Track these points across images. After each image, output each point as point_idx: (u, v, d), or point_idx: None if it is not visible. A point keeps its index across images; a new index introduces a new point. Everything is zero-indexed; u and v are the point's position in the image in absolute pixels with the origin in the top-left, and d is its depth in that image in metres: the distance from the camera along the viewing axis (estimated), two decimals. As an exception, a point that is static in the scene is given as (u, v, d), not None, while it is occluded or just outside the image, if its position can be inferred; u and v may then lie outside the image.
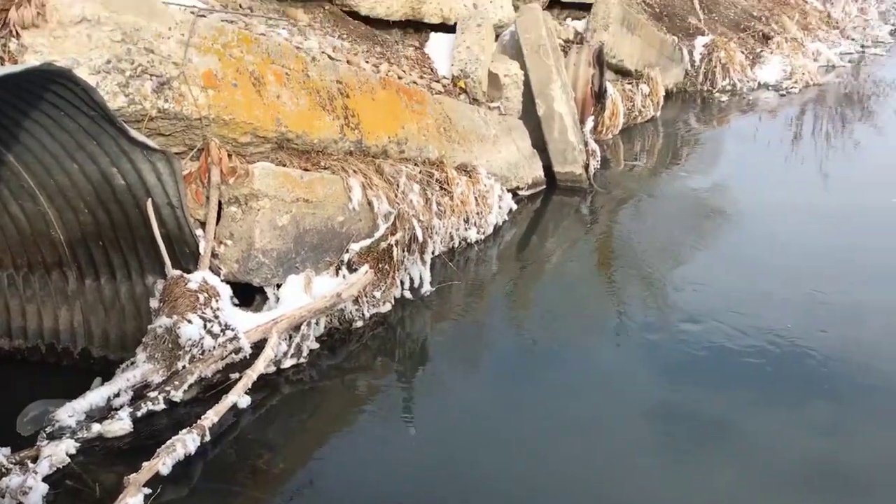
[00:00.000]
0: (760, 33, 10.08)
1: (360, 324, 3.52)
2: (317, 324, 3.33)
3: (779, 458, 2.78)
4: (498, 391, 3.25)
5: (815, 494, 2.62)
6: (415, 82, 4.70)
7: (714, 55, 8.92)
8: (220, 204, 3.21)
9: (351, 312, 3.49)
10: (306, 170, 3.61)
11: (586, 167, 5.67)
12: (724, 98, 8.80)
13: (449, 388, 3.25)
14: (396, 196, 3.87)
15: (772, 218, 5.37)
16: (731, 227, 5.28)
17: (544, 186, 5.56)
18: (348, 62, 4.18)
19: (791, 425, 2.98)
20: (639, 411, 3.08)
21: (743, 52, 9.34)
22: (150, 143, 2.83)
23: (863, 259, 4.60)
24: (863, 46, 12.09)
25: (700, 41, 9.10)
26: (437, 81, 5.04)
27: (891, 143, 7.66)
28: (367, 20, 5.19)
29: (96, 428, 2.61)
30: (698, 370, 3.42)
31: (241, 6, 4.25)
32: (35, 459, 2.40)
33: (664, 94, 8.09)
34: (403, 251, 3.73)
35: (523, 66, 5.53)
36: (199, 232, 3.15)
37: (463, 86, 5.09)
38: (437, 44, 5.50)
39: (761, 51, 9.64)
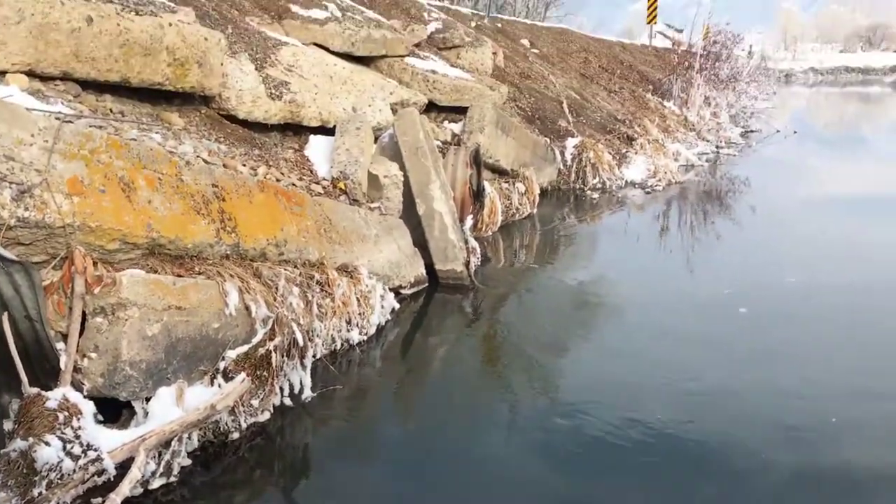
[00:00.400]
0: (625, 135, 10.74)
1: (236, 435, 3.37)
2: (189, 438, 3.16)
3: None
4: (385, 495, 3.16)
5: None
6: (294, 184, 4.70)
7: (584, 155, 9.41)
8: (84, 315, 3.05)
9: (227, 424, 3.33)
10: (180, 276, 3.49)
11: (467, 264, 5.77)
12: (596, 195, 9.24)
13: (333, 497, 3.13)
14: (275, 299, 3.79)
15: (646, 308, 5.59)
16: (608, 317, 5.47)
17: (427, 284, 5.60)
18: (225, 165, 4.14)
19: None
20: (532, 496, 3.06)
21: (610, 153, 9.90)
22: (6, 253, 2.68)
23: (728, 342, 4.84)
24: (717, 147, 13.06)
25: (570, 142, 9.59)
26: (317, 183, 5.05)
27: (747, 234, 8.20)
28: (245, 123, 5.19)
29: (-67, 570, 2.34)
30: (583, 461, 3.46)
31: (111, 111, 4.16)
32: None
33: (539, 192, 8.41)
34: (282, 356, 3.63)
35: (403, 167, 5.64)
36: (60, 345, 2.97)
37: (343, 187, 5.12)
38: (317, 146, 5.55)
39: (627, 151, 10.24)
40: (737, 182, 11.05)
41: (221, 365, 3.42)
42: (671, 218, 8.94)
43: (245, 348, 3.50)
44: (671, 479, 3.34)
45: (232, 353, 3.45)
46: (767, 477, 3.35)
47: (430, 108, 7.70)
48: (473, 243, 6.13)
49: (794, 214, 8.94)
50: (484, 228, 7.07)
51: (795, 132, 16.37)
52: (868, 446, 3.63)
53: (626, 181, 9.82)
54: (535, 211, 8.17)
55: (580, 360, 4.68)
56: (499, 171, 7.87)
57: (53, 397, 2.78)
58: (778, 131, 15.90)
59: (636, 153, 10.26)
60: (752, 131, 15.90)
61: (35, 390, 2.78)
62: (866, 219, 8.77)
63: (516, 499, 3.16)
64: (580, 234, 8.03)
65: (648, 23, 22.06)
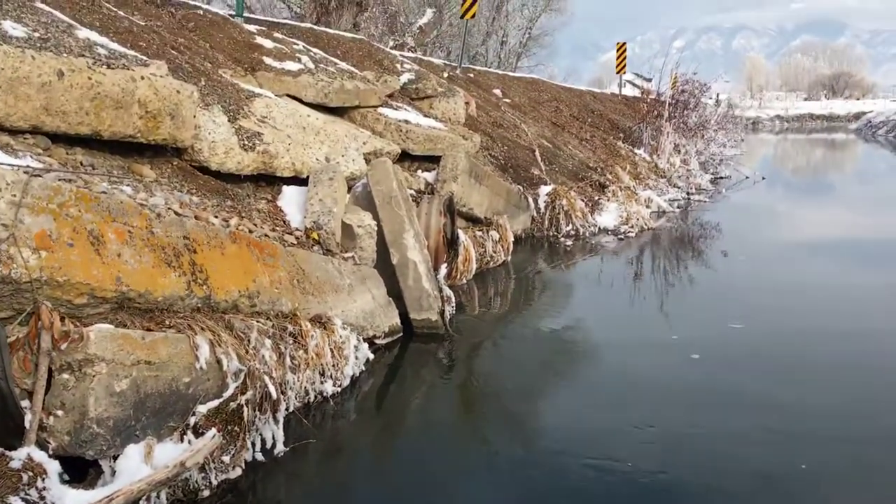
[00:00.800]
0: (597, 182, 10.87)
1: (206, 493, 3.28)
2: (158, 497, 3.08)
3: None
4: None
5: None
6: (266, 235, 4.68)
7: (557, 203, 9.50)
8: (50, 371, 2.98)
9: (197, 481, 3.25)
10: (149, 329, 3.44)
11: (442, 313, 5.75)
12: (569, 242, 9.31)
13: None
14: (247, 352, 3.74)
15: (619, 355, 5.59)
16: (582, 365, 5.46)
17: (401, 334, 5.57)
18: (196, 217, 4.12)
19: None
20: None
21: (583, 200, 10.00)
22: (-30, 309, 2.62)
23: (705, 387, 4.86)
24: (688, 193, 13.25)
25: (543, 190, 9.69)
26: (290, 234, 5.04)
27: (720, 278, 8.27)
28: (217, 175, 5.18)
29: None
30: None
31: (81, 164, 4.14)
32: None
33: (513, 239, 8.46)
34: (254, 410, 3.57)
35: (376, 217, 5.65)
36: (25, 403, 2.90)
37: (316, 237, 5.11)
38: (290, 197, 5.55)
39: (599, 198, 10.36)
40: (708, 227, 11.19)
41: (192, 420, 3.35)
42: (644, 264, 9.02)
43: (216, 403, 3.44)
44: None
45: (202, 408, 3.39)
46: None
47: (404, 157, 7.75)
48: (448, 292, 6.13)
49: (765, 259, 9.06)
50: (458, 277, 7.07)
51: (763, 178, 16.70)
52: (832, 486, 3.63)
53: (600, 228, 9.91)
54: (509, 258, 8.20)
55: (554, 409, 4.64)
56: (473, 220, 7.91)
57: (17, 457, 2.72)
58: (747, 177, 16.20)
59: (608, 200, 10.38)
60: (721, 178, 16.18)
61: (-2, 450, 2.71)
62: (836, 261, 8.91)
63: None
64: (554, 281, 8.06)
65: (618, 72, 22.51)
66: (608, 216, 10.00)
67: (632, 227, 9.97)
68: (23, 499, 2.61)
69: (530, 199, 9.34)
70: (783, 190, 17.14)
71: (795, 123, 52.09)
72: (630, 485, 3.62)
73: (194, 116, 4.86)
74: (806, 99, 76.44)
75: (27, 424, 2.83)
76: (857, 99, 72.26)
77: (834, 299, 7.20)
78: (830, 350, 5.66)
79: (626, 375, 5.13)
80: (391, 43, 19.70)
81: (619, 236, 9.77)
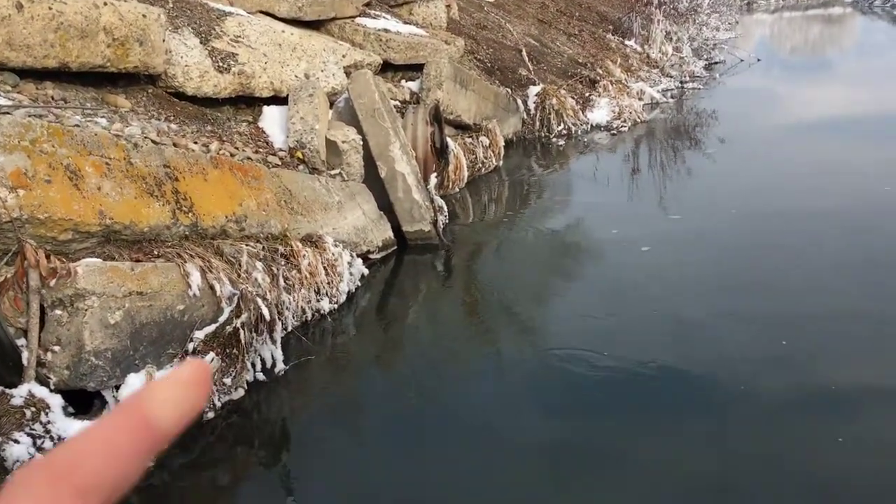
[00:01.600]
0: (587, 78, 10.65)
1: (211, 415, 3.36)
2: (163, 422, 3.14)
3: (664, 477, 2.86)
4: (369, 461, 3.17)
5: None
6: (249, 158, 4.63)
7: (547, 103, 9.33)
8: (42, 309, 3.01)
9: (201, 404, 3.32)
10: (138, 261, 3.45)
11: (435, 223, 5.74)
12: (562, 142, 9.20)
13: (316, 467, 3.14)
14: (239, 276, 3.76)
15: (619, 248, 5.62)
16: (583, 263, 5.50)
17: (395, 247, 5.58)
18: (175, 145, 4.06)
19: (671, 444, 3.12)
20: (528, 445, 3.09)
21: (573, 98, 9.82)
22: (-49, 254, 2.62)
23: (713, 273, 4.92)
24: (681, 82, 12.99)
25: (532, 90, 9.50)
26: (274, 154, 4.98)
27: (719, 167, 8.22)
28: (194, 100, 5.09)
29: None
30: (573, 403, 3.51)
31: (52, 98, 4.06)
32: None
33: (504, 143, 8.36)
34: (251, 332, 3.61)
35: (361, 131, 5.57)
36: (21, 341, 2.93)
37: (301, 156, 5.06)
38: (271, 117, 5.46)
39: (590, 95, 10.17)
40: (703, 115, 11.03)
41: (190, 346, 3.40)
42: (639, 158, 8.93)
43: (212, 328, 3.48)
44: (660, 411, 3.39)
45: (199, 334, 3.43)
46: (750, 401, 3.42)
47: (386, 67, 7.58)
48: (440, 202, 6.10)
49: (763, 143, 8.97)
50: (451, 186, 7.02)
51: (759, 60, 16.34)
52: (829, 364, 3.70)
53: (592, 125, 9.78)
54: (501, 163, 8.14)
55: (559, 307, 4.71)
56: (461, 127, 7.79)
57: (18, 394, 2.76)
58: (742, 60, 15.85)
59: (599, 96, 10.19)
60: (715, 63, 15.83)
61: (-1, 389, 2.75)
62: (831, 139, 8.83)
63: (508, 449, 3.18)
64: (549, 183, 8.01)
65: (605, -38, 21.73)
66: (600, 112, 9.85)
67: (624, 121, 9.83)
68: (28, 433, 2.67)
69: (519, 101, 9.18)
70: (780, 71, 16.80)
71: (791, 1, 50.69)
72: (633, 374, 3.69)
73: (164, 41, 4.73)
74: (802, -25, 74.05)
75: (24, 362, 2.87)
76: (855, -29, 69.97)
77: (832, 177, 7.17)
78: (832, 232, 5.67)
79: (626, 267, 5.16)
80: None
81: (612, 132, 9.65)
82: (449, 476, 3.02)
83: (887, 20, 31.61)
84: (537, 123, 9.28)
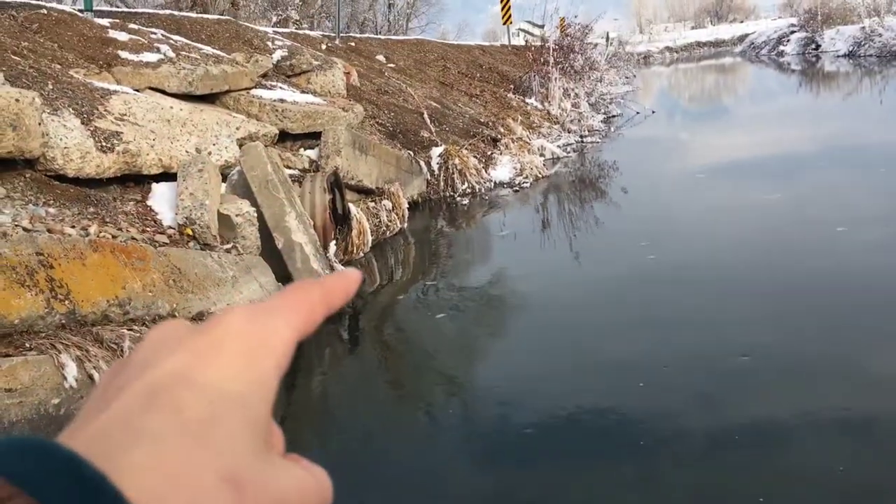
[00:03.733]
0: (489, 137, 10.89)
1: None
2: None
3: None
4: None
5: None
6: (134, 238, 4.51)
7: (450, 163, 9.47)
8: None
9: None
10: (8, 355, 3.28)
11: (336, 291, 5.67)
12: (466, 201, 9.32)
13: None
14: (121, 363, 3.61)
15: (531, 298, 5.68)
16: (502, 315, 5.52)
17: (296, 318, 5.47)
18: (49, 231, 3.93)
19: (607, 487, 3.14)
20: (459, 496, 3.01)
21: (476, 157, 10.01)
22: None
23: (634, 316, 5.04)
24: (581, 136, 13.43)
25: (435, 151, 9.64)
26: (163, 233, 4.87)
27: (624, 213, 8.46)
28: (77, 181, 4.95)
29: None
30: (510, 450, 3.47)
31: (-86, 190, 3.88)
32: None
33: (409, 205, 8.42)
34: (134, 422, 3.46)
35: (255, 203, 5.51)
36: None
37: (191, 233, 4.96)
38: (161, 195, 5.35)
39: (492, 153, 10.38)
40: (604, 167, 11.39)
41: (66, 442, 3.22)
42: (545, 211, 9.13)
43: (91, 420, 3.31)
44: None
45: (77, 428, 3.26)
46: (685, 439, 3.46)
47: (285, 137, 7.58)
48: (341, 268, 6.04)
49: (664, 189, 9.31)
50: (355, 251, 6.99)
51: (653, 112, 17.06)
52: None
53: (495, 182, 9.96)
54: (406, 225, 8.17)
55: (478, 361, 4.70)
56: (364, 191, 7.82)
57: None
58: (638, 113, 16.52)
59: (501, 154, 10.42)
60: (613, 116, 16.46)
61: None
62: (729, 181, 9.23)
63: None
64: (456, 242, 8.07)
65: (504, 24, 22.52)
66: (503, 170, 10.06)
67: (526, 177, 10.06)
68: None
69: (422, 163, 9.29)
70: (676, 119, 17.57)
71: (685, 53, 53.38)
72: (559, 419, 3.68)
73: (40, 124, 4.61)
74: (693, 27, 78.39)
75: None
76: (741, 22, 74.53)
77: (733, 215, 7.46)
78: (745, 262, 5.87)
79: (544, 320, 5.21)
80: (274, 18, 19.19)
81: (516, 188, 9.85)
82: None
83: (773, 67, 33.59)
84: (441, 184, 9.39)
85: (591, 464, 3.43)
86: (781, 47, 39.66)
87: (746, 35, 51.00)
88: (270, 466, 0.34)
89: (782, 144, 11.65)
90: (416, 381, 4.65)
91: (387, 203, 7.90)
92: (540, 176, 10.32)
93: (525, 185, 9.94)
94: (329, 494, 0.38)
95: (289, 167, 6.64)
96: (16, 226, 3.78)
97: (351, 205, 7.07)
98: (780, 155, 10.70)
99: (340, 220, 6.71)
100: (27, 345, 3.39)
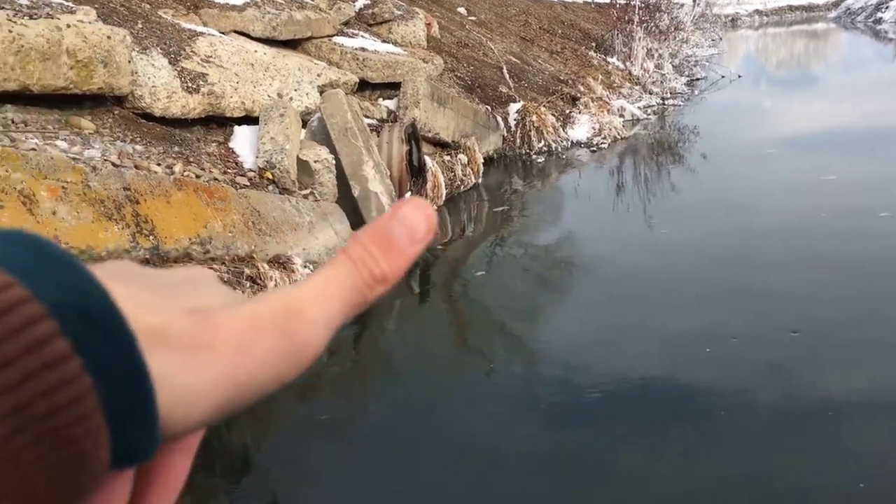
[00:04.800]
0: (568, 95, 10.66)
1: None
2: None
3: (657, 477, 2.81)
4: (355, 478, 3.09)
5: None
6: (216, 179, 4.58)
7: (527, 120, 9.32)
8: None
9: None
10: (95, 286, 3.38)
11: (409, 243, 5.68)
12: (542, 159, 9.18)
13: (296, 490, 3.06)
14: (201, 300, 3.68)
15: (608, 262, 5.58)
16: (572, 276, 5.45)
17: (369, 267, 5.51)
18: (136, 167, 4.00)
19: (659, 449, 3.11)
20: (519, 458, 3.02)
21: (554, 115, 9.82)
22: None
23: (706, 285, 4.92)
24: (663, 99, 13.03)
25: (513, 107, 9.50)
26: (243, 175, 4.93)
27: (701, 181, 8.22)
28: (163, 121, 5.03)
29: None
30: (574, 415, 3.46)
31: (12, 121, 4.00)
32: None
33: (484, 161, 8.33)
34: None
35: (333, 151, 5.52)
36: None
37: (270, 177, 5.00)
38: (243, 137, 5.41)
39: (570, 112, 10.17)
40: (685, 131, 11.05)
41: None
42: (622, 174, 8.92)
43: (171, 353, 3.40)
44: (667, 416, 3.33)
45: (158, 360, 3.35)
46: (749, 411, 3.38)
47: (364, 86, 7.55)
48: (413, 216, 6.03)
49: (746, 158, 8.98)
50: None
51: (740, 76, 16.43)
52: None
53: (572, 142, 9.77)
54: (480, 181, 8.10)
55: (546, 322, 4.68)
56: (440, 144, 7.77)
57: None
58: (723, 77, 15.93)
59: (580, 113, 10.20)
60: (697, 79, 15.91)
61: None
62: (815, 154, 8.85)
63: (496, 458, 3.12)
64: (530, 200, 7.98)
65: (588, -21, 21.88)
66: (580, 129, 9.85)
67: (604, 138, 9.83)
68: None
69: (499, 119, 9.17)
70: (762, 86, 16.90)
71: (775, 17, 51.16)
72: (627, 387, 3.64)
73: (130, 62, 4.68)
74: (786, -9, 74.87)
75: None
76: (838, -14, 70.83)
77: (816, 190, 7.17)
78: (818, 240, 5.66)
79: (615, 285, 5.13)
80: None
81: (593, 148, 9.65)
82: (435, 490, 2.93)
83: (870, 35, 31.93)
84: (517, 140, 9.26)
85: (652, 429, 3.36)
86: (880, 14, 37.56)
87: (841, 0, 48.51)
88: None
89: (871, 118, 11.10)
90: (480, 338, 4.63)
91: (462, 157, 7.84)
92: (618, 137, 10.07)
93: (602, 145, 9.72)
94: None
95: (367, 116, 6.63)
96: (105, 160, 3.87)
97: (427, 157, 7.04)
98: (870, 129, 10.19)
99: (416, 171, 6.69)
100: (113, 277, 3.48)
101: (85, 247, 3.39)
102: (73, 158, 3.62)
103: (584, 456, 3.20)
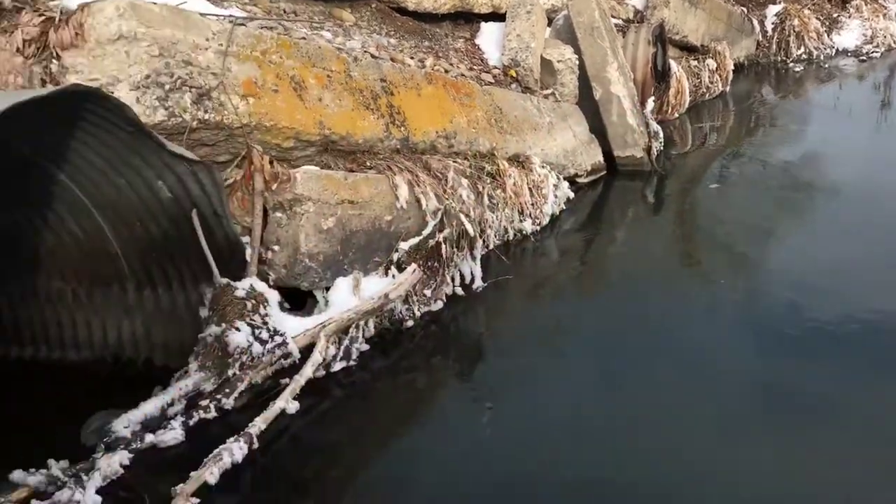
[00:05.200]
0: (838, -4, 9.57)
1: (411, 323, 3.48)
2: (366, 325, 3.32)
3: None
4: (569, 388, 3.12)
5: None
6: (463, 75, 4.64)
7: (787, 23, 8.52)
8: (265, 210, 3.23)
9: (401, 312, 3.45)
10: (352, 171, 3.60)
11: (648, 150, 5.49)
12: (800, 68, 8.39)
13: (512, 380, 3.16)
14: (445, 192, 3.82)
15: (860, 189, 5.08)
16: (818, 201, 5.02)
17: (604, 172, 5.41)
18: (392, 59, 4.15)
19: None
20: (738, 382, 2.96)
21: (819, 19, 8.88)
22: (189, 154, 2.86)
23: None
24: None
25: (772, 10, 8.71)
26: (488, 72, 4.96)
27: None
28: (415, 15, 5.15)
29: (150, 438, 2.65)
30: (798, 344, 3.30)
31: (284, 11, 4.27)
32: (89, 472, 2.45)
33: (734, 67, 7.77)
34: (452, 248, 3.68)
35: (577, 51, 5.38)
36: (245, 239, 3.18)
37: (514, 75, 4.99)
38: (488, 34, 5.42)
39: (838, 16, 9.14)
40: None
41: (394, 256, 3.52)
42: (890, 89, 7.94)
43: (416, 240, 3.58)
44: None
45: (404, 245, 3.55)
46: None
47: (611, -17, 7.22)
48: (656, 127, 5.81)
49: None
50: (670, 111, 6.66)
51: None
52: None
53: (837, 50, 8.82)
54: (727, 89, 7.58)
55: (780, 246, 4.36)
56: (687, 48, 7.32)
57: (241, 287, 3.00)
58: None
59: (850, 17, 9.13)
60: None
61: (225, 280, 3.00)
62: None
63: (715, 385, 3.03)
64: (781, 112, 7.36)
65: None
66: (849, 36, 8.84)
67: (877, 46, 8.77)
68: (248, 323, 2.91)
69: (755, 22, 8.45)
70: None
71: None
72: (860, 321, 3.38)
73: (388, -45, 4.79)
74: None
75: (248, 258, 3.12)
76: None
77: None
78: None
79: (867, 215, 4.65)
80: None
81: (861, 58, 8.65)
82: (650, 407, 2.90)
83: None
84: (773, 46, 8.52)
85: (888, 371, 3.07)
86: None
87: None
88: None
89: None
90: (710, 255, 4.42)
91: (710, 63, 7.35)
92: (894, 46, 8.93)
93: (874, 54, 8.68)
94: None
95: (614, 17, 6.36)
96: (364, 52, 4.04)
97: (672, 61, 6.68)
98: None
99: (660, 76, 6.37)
100: (367, 163, 3.69)
101: (345, 133, 3.59)
102: (338, 48, 3.81)
103: (807, 392, 2.97)
